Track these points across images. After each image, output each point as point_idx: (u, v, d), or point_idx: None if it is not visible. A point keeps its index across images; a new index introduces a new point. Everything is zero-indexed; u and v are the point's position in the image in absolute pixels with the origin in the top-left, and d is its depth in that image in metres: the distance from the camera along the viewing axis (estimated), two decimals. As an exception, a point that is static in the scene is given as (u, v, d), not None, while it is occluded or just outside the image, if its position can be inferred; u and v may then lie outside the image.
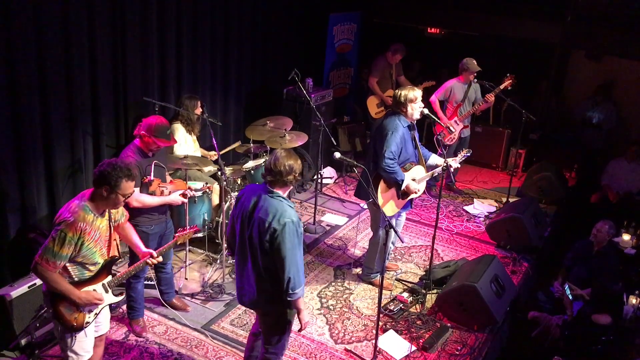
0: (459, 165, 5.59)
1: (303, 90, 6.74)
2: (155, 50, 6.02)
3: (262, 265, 3.63)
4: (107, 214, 3.57)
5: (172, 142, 4.65)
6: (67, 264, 3.44)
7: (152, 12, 5.86)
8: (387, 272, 6.00)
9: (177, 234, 4.10)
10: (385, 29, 9.60)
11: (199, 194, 5.50)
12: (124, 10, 5.55)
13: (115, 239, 3.71)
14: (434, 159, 5.51)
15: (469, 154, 5.66)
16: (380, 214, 5.21)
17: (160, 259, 3.88)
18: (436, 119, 5.40)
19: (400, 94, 5.12)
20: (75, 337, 3.57)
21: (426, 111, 5.27)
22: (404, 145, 5.14)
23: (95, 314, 3.63)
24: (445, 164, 5.35)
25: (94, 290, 3.57)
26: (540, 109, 9.06)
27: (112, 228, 3.63)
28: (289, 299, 3.59)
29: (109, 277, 3.65)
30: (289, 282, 3.53)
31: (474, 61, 7.30)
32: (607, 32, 7.94)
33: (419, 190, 5.32)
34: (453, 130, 7.39)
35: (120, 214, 3.78)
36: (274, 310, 3.78)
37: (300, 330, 3.87)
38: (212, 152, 6.31)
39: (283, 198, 3.64)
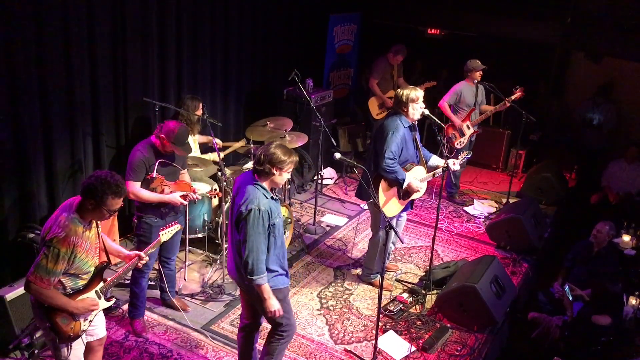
0: (459, 167, 5.58)
1: (303, 90, 6.74)
2: (155, 51, 6.02)
3: (237, 247, 3.80)
4: (94, 222, 3.52)
5: (188, 153, 4.74)
6: (61, 277, 3.38)
7: (152, 12, 5.87)
8: (387, 272, 6.00)
9: (161, 232, 4.10)
10: (385, 30, 9.61)
11: (200, 197, 5.41)
12: (124, 10, 5.55)
13: (104, 244, 3.69)
14: (435, 160, 5.51)
15: (469, 156, 5.66)
16: (381, 215, 5.22)
17: (147, 258, 3.87)
18: (436, 120, 5.40)
19: (402, 93, 5.12)
20: (71, 346, 3.54)
21: (426, 112, 5.27)
22: (404, 146, 5.14)
23: (90, 320, 3.61)
24: (445, 165, 5.35)
25: (88, 298, 3.54)
26: (540, 110, 9.07)
27: (100, 235, 3.59)
28: (247, 283, 3.73)
29: (101, 284, 3.62)
30: (247, 266, 3.67)
31: (478, 61, 7.29)
32: (607, 33, 7.94)
33: (421, 189, 5.32)
34: (464, 134, 7.36)
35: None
36: (251, 290, 3.86)
37: (267, 317, 3.92)
38: (213, 139, 6.22)
39: (261, 187, 3.74)
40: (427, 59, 9.80)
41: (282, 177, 3.80)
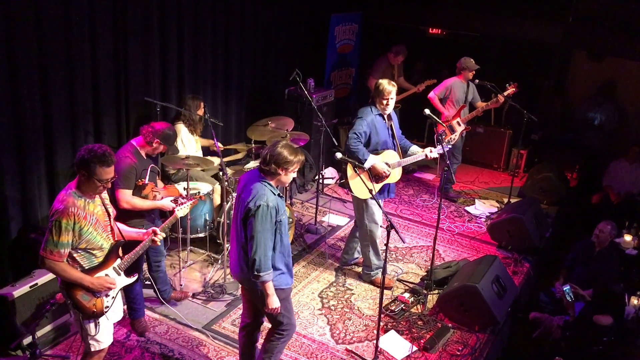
0: (437, 155, 5.52)
1: (304, 90, 6.74)
2: (156, 50, 6.02)
3: (242, 244, 3.80)
4: (98, 198, 3.61)
5: (176, 153, 5.00)
6: (75, 254, 3.50)
7: (153, 12, 5.86)
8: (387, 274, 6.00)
9: (177, 208, 4.10)
10: (387, 30, 9.61)
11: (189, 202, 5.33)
12: (125, 10, 5.55)
13: (116, 224, 3.76)
14: (414, 149, 5.56)
15: (449, 146, 5.67)
16: (364, 206, 5.24)
17: (164, 234, 3.91)
18: (438, 120, 5.40)
19: (376, 84, 5.25)
20: (99, 323, 3.65)
21: (427, 111, 5.29)
22: (373, 130, 5.23)
23: (113, 297, 3.70)
24: (446, 167, 5.36)
25: (106, 275, 3.64)
26: (542, 109, 9.06)
27: (109, 213, 3.67)
28: (253, 279, 3.73)
29: (118, 260, 3.72)
30: (254, 263, 3.67)
31: (472, 60, 7.30)
32: (609, 32, 7.93)
33: (387, 172, 5.32)
34: (455, 130, 7.35)
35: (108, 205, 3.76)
36: (254, 288, 3.87)
37: (266, 310, 3.90)
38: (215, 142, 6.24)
39: (269, 184, 3.77)
40: (428, 58, 9.80)
41: (288, 176, 3.82)
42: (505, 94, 7.22)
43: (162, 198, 4.60)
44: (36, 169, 5.03)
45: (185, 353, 4.68)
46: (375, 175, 5.26)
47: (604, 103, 8.41)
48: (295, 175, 3.91)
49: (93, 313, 3.60)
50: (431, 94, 7.46)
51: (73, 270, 3.50)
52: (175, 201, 4.62)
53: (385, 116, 5.31)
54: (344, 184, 5.39)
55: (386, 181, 5.40)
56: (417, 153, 5.48)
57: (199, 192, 5.67)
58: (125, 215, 4.48)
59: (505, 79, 7.42)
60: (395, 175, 5.47)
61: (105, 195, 3.71)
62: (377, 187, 5.37)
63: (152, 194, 4.55)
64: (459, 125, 7.38)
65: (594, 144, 8.54)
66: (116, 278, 3.69)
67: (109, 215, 3.67)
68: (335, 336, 5.04)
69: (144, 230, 3.93)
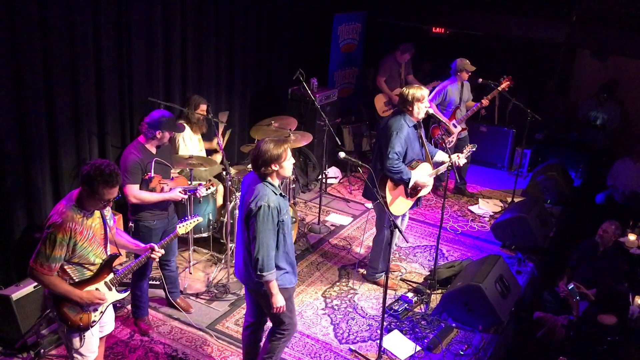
0: (466, 161, 5.57)
1: (308, 90, 6.73)
2: (160, 51, 6.03)
3: (246, 244, 3.83)
4: (98, 212, 3.54)
5: (183, 130, 5.00)
6: (66, 266, 3.44)
7: (157, 12, 5.87)
8: (392, 272, 5.99)
9: (178, 225, 4.10)
10: (390, 29, 9.60)
11: (204, 192, 5.36)
12: (129, 10, 5.56)
13: (113, 237, 3.70)
14: (441, 155, 5.51)
15: (474, 149, 5.67)
16: (386, 214, 5.23)
17: (163, 251, 3.85)
18: (442, 119, 5.40)
19: (408, 92, 5.12)
20: (84, 337, 3.58)
21: (431, 111, 5.28)
22: (409, 145, 5.15)
23: (101, 312, 3.63)
24: (450, 163, 5.35)
25: (97, 289, 3.56)
26: (546, 108, 9.04)
27: (107, 226, 3.60)
28: (256, 279, 3.76)
29: (111, 275, 3.65)
30: (257, 263, 3.70)
31: (467, 61, 7.24)
32: (613, 31, 7.92)
33: (428, 185, 5.34)
34: (452, 132, 7.32)
35: (109, 216, 3.69)
36: (258, 289, 3.89)
37: (271, 310, 3.91)
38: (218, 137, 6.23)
39: (270, 184, 3.78)
40: (431, 58, 9.79)
41: (285, 166, 3.80)
42: (500, 88, 7.18)
43: (169, 189, 4.62)
44: (40, 169, 5.03)
45: (189, 353, 4.69)
46: (414, 189, 5.29)
47: (607, 101, 8.38)
48: (293, 161, 3.86)
49: (79, 327, 3.52)
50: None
51: (62, 284, 3.42)
52: (184, 191, 4.64)
53: (416, 126, 5.25)
54: (378, 204, 5.27)
55: (420, 194, 5.41)
56: (445, 161, 5.44)
57: (210, 180, 5.65)
58: (136, 209, 4.54)
59: (501, 80, 7.40)
60: (428, 187, 5.46)
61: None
62: (412, 200, 5.41)
63: (159, 186, 4.57)
64: (455, 127, 7.34)
65: (597, 143, 8.52)
66: (107, 293, 3.61)
67: (106, 228, 3.59)
68: (339, 336, 5.04)
69: (143, 245, 3.85)
